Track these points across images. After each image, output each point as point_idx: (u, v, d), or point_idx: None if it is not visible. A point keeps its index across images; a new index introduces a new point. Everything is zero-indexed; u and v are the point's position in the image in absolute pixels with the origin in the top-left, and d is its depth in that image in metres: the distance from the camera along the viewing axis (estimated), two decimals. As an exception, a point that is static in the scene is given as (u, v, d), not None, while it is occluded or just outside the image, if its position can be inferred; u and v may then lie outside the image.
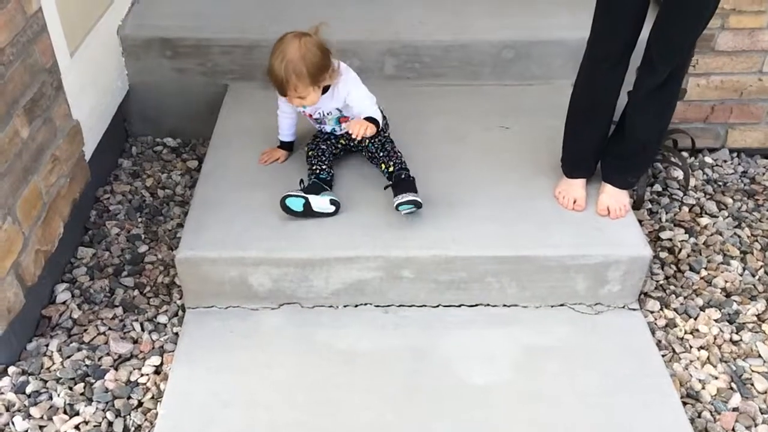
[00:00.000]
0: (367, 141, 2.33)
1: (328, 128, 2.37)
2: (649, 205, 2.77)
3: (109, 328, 2.23)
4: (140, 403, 2.03)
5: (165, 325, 2.26)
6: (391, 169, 2.28)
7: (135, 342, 2.21)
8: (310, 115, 2.32)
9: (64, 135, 2.31)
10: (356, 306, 2.27)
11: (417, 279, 2.21)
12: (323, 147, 2.37)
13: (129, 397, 2.04)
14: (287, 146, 2.48)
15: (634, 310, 2.29)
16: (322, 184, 2.24)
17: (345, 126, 2.30)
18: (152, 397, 2.05)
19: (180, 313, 2.30)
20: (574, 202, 2.32)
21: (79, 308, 2.29)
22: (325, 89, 2.23)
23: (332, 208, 2.21)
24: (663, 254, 2.56)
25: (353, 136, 2.17)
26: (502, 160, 2.52)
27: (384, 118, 2.41)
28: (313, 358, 2.11)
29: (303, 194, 2.17)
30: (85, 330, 2.22)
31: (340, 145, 2.42)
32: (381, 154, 2.33)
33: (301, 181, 2.27)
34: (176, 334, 2.22)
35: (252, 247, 2.17)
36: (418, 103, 2.83)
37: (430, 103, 2.82)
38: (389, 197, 2.23)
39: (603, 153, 2.36)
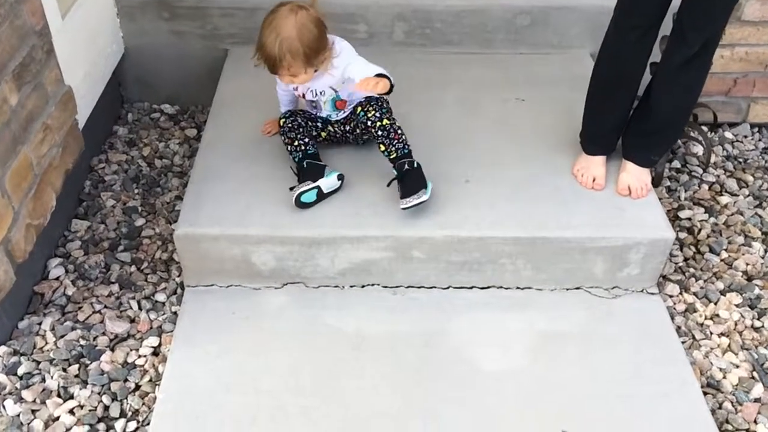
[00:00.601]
0: (362, 114, 2.13)
1: (323, 113, 2.22)
2: (668, 183, 2.66)
3: (105, 306, 2.13)
4: (137, 387, 1.94)
5: (163, 304, 2.16)
6: (393, 155, 2.09)
7: (132, 321, 2.11)
8: (304, 96, 2.17)
9: (56, 102, 2.18)
10: (363, 286, 2.18)
11: (428, 260, 2.11)
12: (299, 121, 2.20)
13: (126, 380, 1.95)
14: None
15: (652, 294, 2.20)
16: (317, 162, 2.12)
17: (355, 87, 2.02)
18: (150, 380, 1.96)
19: (179, 290, 2.19)
20: (594, 180, 2.21)
21: (73, 284, 2.19)
22: None
23: (339, 183, 2.11)
24: (682, 234, 2.45)
25: (374, 92, 1.97)
26: (518, 134, 2.40)
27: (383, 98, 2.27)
28: (319, 342, 2.01)
29: (313, 184, 2.05)
30: (80, 308, 2.12)
31: (327, 131, 2.25)
32: (380, 133, 2.10)
33: (293, 168, 2.12)
34: (175, 313, 2.12)
35: (255, 223, 2.06)
36: (429, 71, 2.69)
37: (442, 71, 2.69)
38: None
39: (625, 129, 2.24)
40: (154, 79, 2.88)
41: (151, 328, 2.09)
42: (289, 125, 2.19)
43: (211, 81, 2.68)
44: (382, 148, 2.11)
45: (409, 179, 2.04)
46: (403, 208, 2.01)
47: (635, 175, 2.21)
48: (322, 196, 2.07)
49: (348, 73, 2.04)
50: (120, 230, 2.38)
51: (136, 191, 2.53)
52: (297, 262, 2.11)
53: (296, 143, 2.16)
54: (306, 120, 2.22)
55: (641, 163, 2.22)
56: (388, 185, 2.08)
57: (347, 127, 2.23)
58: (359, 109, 2.15)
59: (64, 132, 2.24)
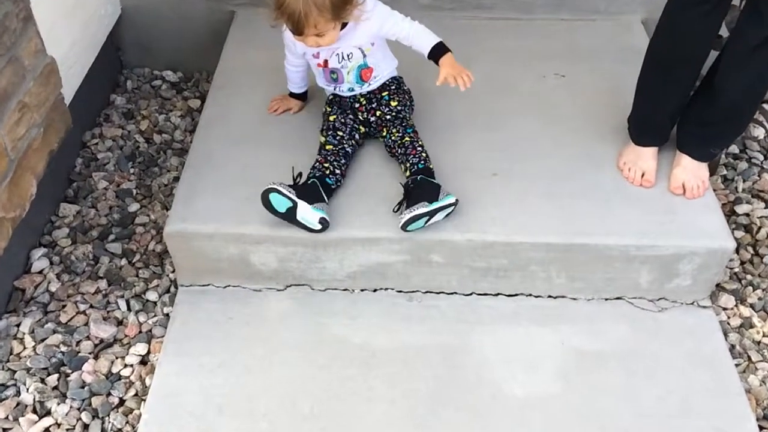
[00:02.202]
0: (387, 135, 1.92)
1: (345, 87, 1.94)
2: (724, 171, 2.36)
3: (91, 306, 1.93)
4: (122, 402, 1.75)
5: (155, 304, 1.95)
6: (407, 173, 1.84)
7: (119, 324, 1.91)
8: (325, 64, 1.89)
9: (36, 76, 1.94)
10: (375, 290, 1.94)
11: (448, 264, 1.86)
12: (341, 135, 1.91)
13: (109, 394, 1.76)
14: (300, 97, 2.10)
15: (704, 307, 1.93)
16: (322, 191, 1.80)
17: (449, 77, 1.81)
18: (135, 394, 1.76)
19: (173, 288, 1.99)
20: (642, 176, 1.93)
21: (57, 279, 1.99)
22: (343, 25, 1.81)
23: (318, 227, 1.77)
24: (738, 233, 2.17)
25: (461, 87, 1.80)
26: (555, 117, 2.12)
27: (410, 97, 2.01)
28: (324, 356, 1.80)
29: (293, 197, 1.73)
30: (63, 307, 1.92)
31: (362, 129, 1.97)
32: (399, 151, 1.88)
33: (299, 174, 1.82)
34: (167, 315, 1.92)
35: (254, 221, 1.83)
36: (458, 40, 2.35)
37: (472, 40, 2.39)
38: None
39: (682, 116, 1.94)
40: (154, 42, 2.62)
41: (140, 332, 1.89)
42: (328, 144, 1.90)
43: (217, 46, 2.43)
44: (401, 168, 1.89)
45: (417, 190, 1.77)
46: (401, 227, 1.75)
47: (691, 170, 1.92)
48: (291, 216, 1.75)
49: (388, 32, 1.84)
50: (112, 216, 2.17)
51: (131, 171, 2.30)
52: (301, 263, 1.88)
53: (326, 165, 1.85)
54: (343, 124, 1.94)
55: (699, 156, 1.93)
56: (394, 211, 1.81)
57: (374, 118, 1.97)
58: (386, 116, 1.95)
59: (47, 109, 2.01)
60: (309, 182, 1.79)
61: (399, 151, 1.88)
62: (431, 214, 1.73)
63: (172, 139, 2.43)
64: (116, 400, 1.75)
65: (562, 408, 1.71)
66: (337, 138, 1.91)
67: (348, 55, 1.87)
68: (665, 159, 1.97)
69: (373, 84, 1.93)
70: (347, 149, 1.90)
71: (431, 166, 1.85)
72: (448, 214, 1.78)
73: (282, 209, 1.74)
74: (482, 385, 1.75)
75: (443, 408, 1.70)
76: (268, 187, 1.73)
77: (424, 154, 1.85)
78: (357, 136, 1.95)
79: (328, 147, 1.89)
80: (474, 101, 2.14)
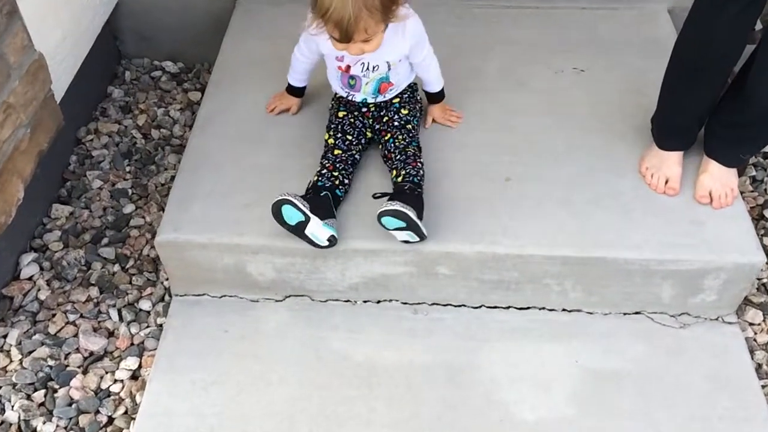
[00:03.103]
0: (391, 140, 1.79)
1: (359, 97, 1.81)
2: (753, 171, 2.21)
3: (81, 316, 1.85)
4: (110, 421, 1.67)
5: (148, 314, 1.86)
6: (398, 179, 1.72)
7: (110, 335, 1.82)
8: (347, 69, 1.74)
9: (22, 74, 1.83)
10: (378, 302, 1.84)
11: (456, 276, 1.75)
12: (350, 138, 1.80)
13: (97, 412, 1.68)
14: (298, 92, 1.96)
15: (730, 323, 1.81)
16: (333, 206, 1.69)
17: (438, 120, 1.92)
18: (125, 413, 1.68)
19: (167, 297, 1.90)
20: (666, 183, 1.80)
21: (47, 286, 1.91)
22: None
23: (325, 244, 1.66)
24: (767, 240, 2.03)
25: (453, 126, 1.90)
26: (573, 116, 1.98)
27: (421, 108, 1.90)
28: (323, 374, 1.70)
29: (306, 210, 1.61)
30: (53, 317, 1.84)
31: (368, 134, 1.86)
32: (398, 156, 1.76)
33: (310, 188, 1.71)
34: (160, 326, 1.83)
35: (251, 230, 1.73)
36: (470, 31, 2.25)
37: (485, 31, 2.25)
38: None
39: (710, 118, 1.80)
40: (153, 31, 2.51)
41: (132, 344, 1.80)
42: (343, 155, 1.77)
43: (219, 35, 2.31)
44: (393, 173, 1.74)
45: (412, 196, 1.66)
46: (380, 215, 1.61)
47: (719, 178, 1.78)
48: (299, 230, 1.64)
49: (417, 55, 1.76)
50: (106, 218, 2.07)
51: (127, 169, 2.20)
52: (300, 274, 1.78)
53: (335, 174, 1.73)
54: (351, 125, 1.83)
55: (728, 162, 1.79)
56: (374, 197, 1.73)
57: (379, 125, 1.85)
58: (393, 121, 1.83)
59: (34, 108, 1.90)
60: (322, 195, 1.68)
61: (398, 156, 1.75)
62: (411, 226, 1.60)
63: (170, 134, 2.32)
64: (105, 419, 1.67)
65: (575, 434, 1.61)
66: (347, 143, 1.79)
67: (374, 67, 1.74)
68: (691, 164, 1.84)
69: (388, 96, 1.82)
70: (356, 156, 1.79)
71: (422, 185, 1.72)
72: (409, 241, 1.66)
73: (293, 222, 1.64)
74: (490, 408, 1.64)
75: (449, 431, 1.61)
76: (281, 197, 1.61)
77: (422, 173, 1.73)
78: (364, 141, 1.83)
79: (336, 152, 1.77)
80: (486, 98, 2.01)
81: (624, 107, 1.99)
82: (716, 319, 1.81)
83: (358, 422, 1.62)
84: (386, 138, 1.80)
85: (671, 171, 1.80)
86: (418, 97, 1.89)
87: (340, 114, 1.83)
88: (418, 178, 1.71)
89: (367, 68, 1.73)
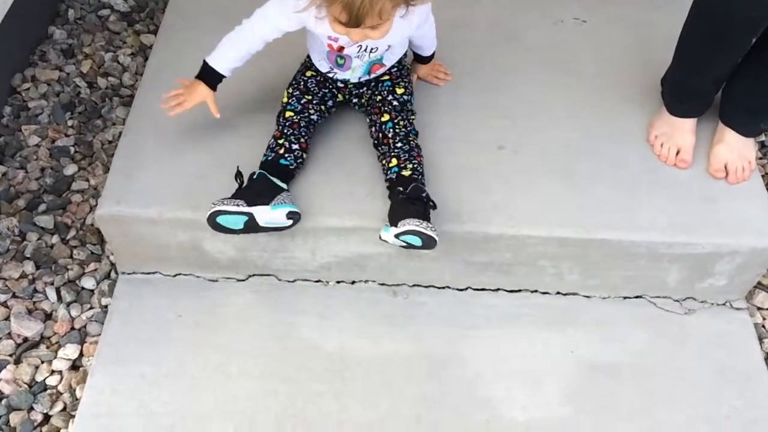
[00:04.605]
0: (390, 123, 1.53)
1: (342, 74, 1.56)
2: (762, 137, 2.03)
3: (13, 295, 1.63)
4: (46, 419, 1.47)
5: (91, 294, 1.65)
6: (405, 172, 1.46)
7: (47, 317, 1.61)
8: (339, 49, 1.48)
9: (-66, 14, 1.56)
10: (353, 283, 1.64)
11: (441, 258, 1.56)
12: (308, 98, 1.55)
13: (31, 409, 1.48)
14: (214, 82, 1.50)
15: (738, 309, 1.65)
16: (276, 180, 1.44)
17: (423, 76, 1.70)
18: (63, 409, 1.48)
19: (113, 274, 1.68)
20: (677, 153, 1.60)
21: (-25, 260, 1.67)
22: None
23: (288, 224, 1.43)
24: (777, 214, 1.86)
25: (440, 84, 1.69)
26: (574, 75, 1.77)
27: (412, 99, 1.62)
28: (290, 367, 1.51)
29: (244, 208, 1.37)
30: (-20, 296, 1.61)
31: (339, 97, 1.62)
32: (402, 146, 1.50)
33: (239, 173, 1.45)
34: (104, 308, 1.62)
35: (207, 203, 1.48)
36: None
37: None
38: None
39: (729, 82, 1.59)
40: (99, -36, 2.20)
41: (72, 329, 1.59)
42: (295, 117, 1.52)
43: (174, -31, 2.01)
44: (393, 162, 1.48)
45: (421, 206, 1.39)
46: (398, 235, 1.36)
47: (736, 148, 1.60)
48: (254, 227, 1.40)
49: (425, 29, 1.53)
50: (44, 180, 1.83)
51: (69, 124, 1.95)
52: (265, 253, 1.57)
53: (282, 141, 1.49)
54: (320, 84, 1.58)
55: (746, 132, 1.61)
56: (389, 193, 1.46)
57: (357, 99, 1.61)
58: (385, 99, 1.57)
59: (-47, 53, 1.63)
60: (256, 177, 1.43)
61: (399, 145, 1.50)
62: (425, 241, 1.37)
63: (119, 83, 2.06)
64: (40, 417, 1.47)
65: (569, 436, 1.45)
66: (302, 103, 1.55)
67: (372, 49, 1.48)
68: (703, 133, 1.64)
69: (374, 75, 1.57)
70: (312, 117, 1.54)
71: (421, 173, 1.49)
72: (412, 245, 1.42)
73: (239, 226, 1.40)
74: (476, 406, 1.48)
75: (430, 434, 1.44)
76: (210, 211, 1.37)
77: (421, 169, 1.50)
78: (330, 103, 1.59)
79: (287, 114, 1.53)
80: (476, 54, 1.79)
81: (631, 65, 1.78)
82: (724, 304, 1.66)
83: (328, 422, 1.44)
84: (383, 119, 1.54)
85: (683, 140, 1.61)
86: (408, 66, 1.64)
87: (308, 73, 1.59)
88: (422, 176, 1.48)
89: (364, 50, 1.48)
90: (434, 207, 1.41)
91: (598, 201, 1.54)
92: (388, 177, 1.47)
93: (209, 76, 1.49)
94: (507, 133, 1.63)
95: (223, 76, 1.50)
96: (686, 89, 1.61)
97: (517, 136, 1.63)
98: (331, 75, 1.56)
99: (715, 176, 1.59)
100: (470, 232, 1.50)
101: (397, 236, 1.36)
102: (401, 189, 1.41)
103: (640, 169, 1.59)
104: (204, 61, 1.49)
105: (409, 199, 1.39)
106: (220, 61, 1.47)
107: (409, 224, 1.33)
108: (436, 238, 1.35)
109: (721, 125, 1.63)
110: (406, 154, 1.48)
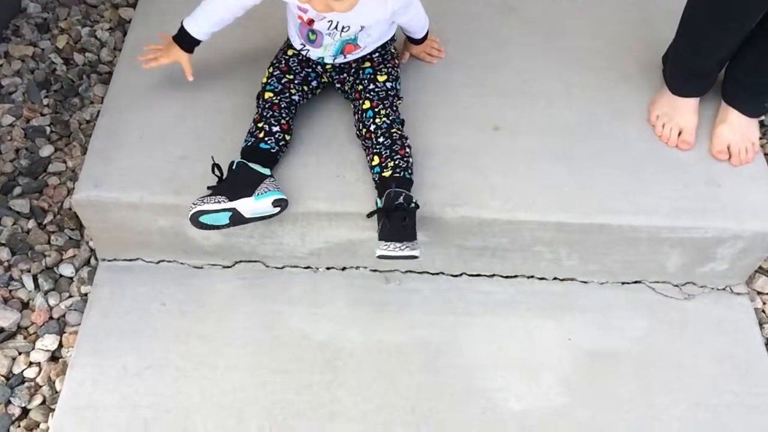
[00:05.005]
0: (370, 113, 1.45)
1: (315, 55, 1.48)
2: (764, 117, 1.97)
3: (-12, 284, 1.56)
4: (25, 413, 1.42)
5: (70, 281, 1.58)
6: (387, 172, 1.39)
7: (24, 306, 1.54)
8: (309, 23, 1.40)
9: None
10: (344, 269, 1.58)
11: (433, 243, 1.50)
12: (289, 78, 1.47)
13: (9, 402, 1.42)
14: (191, 45, 1.46)
15: (738, 294, 1.61)
16: (258, 167, 1.36)
17: (415, 54, 1.61)
18: (43, 403, 1.43)
19: (93, 261, 1.61)
20: (680, 134, 1.55)
21: (-53, 246, 1.60)
22: None
23: (276, 211, 1.37)
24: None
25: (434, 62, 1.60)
26: (572, 52, 1.70)
27: (398, 65, 1.54)
28: (279, 357, 1.46)
29: (225, 205, 1.30)
30: (-47, 285, 1.54)
31: (324, 79, 1.53)
32: (382, 140, 1.42)
33: (216, 166, 1.36)
34: (85, 297, 1.55)
35: (191, 187, 1.43)
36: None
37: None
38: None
39: (732, 60, 1.53)
40: (74, -67, 2.09)
41: (51, 319, 1.53)
42: (275, 98, 1.44)
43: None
44: (375, 160, 1.41)
45: (398, 220, 1.32)
46: (380, 256, 1.31)
47: (739, 129, 1.54)
48: (240, 220, 1.34)
49: (407, 14, 1.44)
50: (19, 162, 1.75)
51: (44, 103, 1.86)
52: (252, 238, 1.51)
53: (262, 125, 1.41)
54: (302, 64, 1.49)
55: (749, 112, 1.55)
56: (368, 216, 1.38)
57: (340, 86, 1.54)
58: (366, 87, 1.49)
59: None
60: (235, 168, 1.35)
61: (381, 140, 1.42)
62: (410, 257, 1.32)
63: (97, 59, 1.97)
64: (18, 411, 1.41)
65: (567, 426, 1.41)
66: (283, 82, 1.47)
67: (344, 28, 1.39)
68: (706, 112, 1.59)
69: (350, 57, 1.49)
70: (294, 97, 1.47)
71: (412, 177, 1.42)
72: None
73: (224, 221, 1.33)
74: (471, 397, 1.43)
75: (425, 425, 1.39)
76: (192, 212, 1.31)
77: (411, 161, 1.42)
78: (315, 84, 1.51)
79: (267, 95, 1.46)
80: (470, 28, 1.71)
81: (631, 41, 1.72)
82: (724, 289, 1.62)
83: (319, 414, 1.39)
84: (365, 106, 1.46)
85: (685, 120, 1.55)
86: (394, 52, 1.55)
87: (290, 52, 1.51)
88: (410, 171, 1.40)
89: (335, 27, 1.39)
90: (417, 207, 1.35)
91: (598, 184, 1.48)
92: (372, 176, 1.41)
93: (184, 40, 1.45)
94: (502, 112, 1.57)
95: (199, 41, 1.44)
96: (689, 68, 1.55)
97: (512, 115, 1.57)
98: (304, 53, 1.48)
99: (718, 158, 1.53)
100: (465, 216, 1.44)
101: (381, 257, 1.31)
102: (379, 198, 1.36)
103: (641, 150, 1.54)
104: (181, 23, 1.43)
105: (387, 214, 1.32)
106: (196, 26, 1.43)
107: (386, 249, 1.29)
108: (417, 255, 1.30)
109: (724, 105, 1.57)
110: (388, 150, 1.40)
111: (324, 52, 1.45)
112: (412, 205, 1.34)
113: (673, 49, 1.56)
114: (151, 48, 1.48)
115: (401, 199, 1.32)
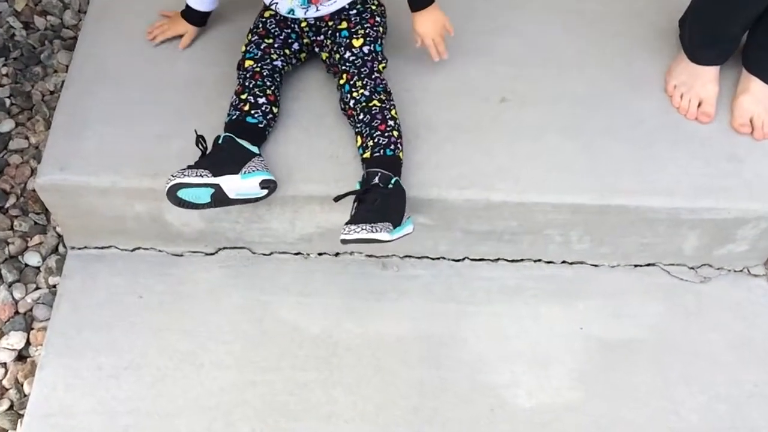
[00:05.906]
0: (347, 87, 1.31)
1: (285, 7, 1.33)
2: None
3: (-54, 276, 1.41)
4: (-9, 419, 1.29)
5: (37, 271, 1.45)
6: (366, 154, 1.26)
7: (-13, 301, 1.40)
8: None
9: None
10: (337, 255, 1.46)
11: (437, 227, 1.38)
12: (268, 42, 1.34)
13: (-28, 409, 1.29)
14: (198, 17, 1.42)
15: (756, 276, 1.52)
16: (246, 144, 1.23)
17: (426, 41, 1.34)
18: (10, 408, 1.30)
19: (61, 248, 1.47)
20: (699, 105, 1.43)
21: None
22: None
23: (263, 194, 1.24)
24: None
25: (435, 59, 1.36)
26: (584, 16, 1.58)
27: (383, 21, 1.39)
28: (269, 353, 1.34)
29: (208, 180, 1.16)
30: None
31: (304, 42, 1.38)
32: (361, 117, 1.29)
33: (200, 139, 1.23)
34: (53, 288, 1.42)
35: (167, 169, 1.27)
36: None
37: None
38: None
39: (754, 26, 1.41)
40: None
41: (16, 314, 1.40)
42: (256, 66, 1.31)
43: None
44: (359, 140, 1.28)
45: (369, 203, 1.19)
46: (342, 240, 1.17)
47: (762, 99, 1.43)
48: (223, 200, 1.20)
49: None
50: (-24, 139, 1.59)
51: (3, 72, 1.70)
52: (237, 224, 1.38)
53: (246, 97, 1.28)
54: (280, 46, 1.35)
55: (774, 81, 1.43)
56: (335, 200, 1.24)
57: (319, 50, 1.39)
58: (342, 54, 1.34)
59: None
60: (221, 141, 1.22)
61: (360, 116, 1.29)
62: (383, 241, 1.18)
63: (60, 23, 1.81)
64: (-18, 418, 1.28)
65: (580, 424, 1.32)
66: (262, 48, 1.33)
67: None
68: (726, 82, 1.47)
69: (322, 10, 1.33)
70: (276, 63, 1.33)
71: (401, 156, 1.27)
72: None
73: (205, 199, 1.19)
74: (478, 394, 1.33)
75: (428, 426, 1.29)
76: (169, 184, 1.16)
77: (395, 134, 1.28)
78: (296, 47, 1.37)
79: (247, 63, 1.32)
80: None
81: (645, 4, 1.59)
82: (741, 271, 1.52)
83: (314, 416, 1.28)
84: (341, 81, 1.32)
85: (705, 90, 1.43)
86: (376, 9, 1.39)
87: (266, 14, 1.37)
88: (392, 147, 1.26)
89: None
90: (396, 186, 1.21)
91: (612, 162, 1.37)
92: (360, 154, 1.29)
93: (189, 12, 1.42)
94: (510, 83, 1.44)
95: (203, 12, 1.42)
96: (709, 33, 1.42)
97: (522, 86, 1.44)
98: (273, 6, 1.33)
99: (740, 131, 1.42)
100: (470, 199, 1.32)
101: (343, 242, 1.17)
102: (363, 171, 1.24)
103: (659, 123, 1.42)
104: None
105: (359, 197, 1.20)
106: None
107: (343, 232, 1.15)
108: (381, 239, 1.15)
109: (746, 73, 1.45)
110: (367, 128, 1.27)
111: (291, 3, 1.31)
112: (390, 185, 1.20)
113: (691, 11, 1.44)
114: (157, 25, 1.44)
115: (376, 179, 1.20)
